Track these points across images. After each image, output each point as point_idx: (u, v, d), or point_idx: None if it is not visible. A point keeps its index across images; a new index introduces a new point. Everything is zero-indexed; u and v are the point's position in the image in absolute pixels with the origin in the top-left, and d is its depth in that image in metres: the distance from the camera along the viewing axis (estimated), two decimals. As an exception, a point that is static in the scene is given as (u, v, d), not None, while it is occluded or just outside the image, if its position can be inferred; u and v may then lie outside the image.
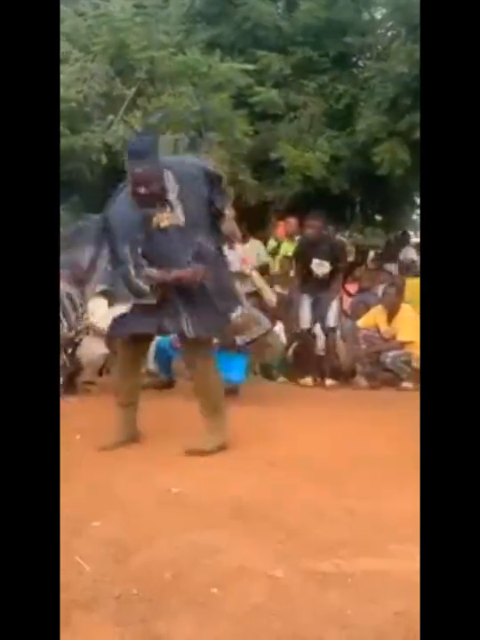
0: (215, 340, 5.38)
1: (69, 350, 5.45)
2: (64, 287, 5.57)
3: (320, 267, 6.54)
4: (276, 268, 7.90)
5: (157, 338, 6.18)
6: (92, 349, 5.58)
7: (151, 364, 6.41)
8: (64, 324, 5.39)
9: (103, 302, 5.71)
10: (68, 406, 4.74)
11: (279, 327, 6.36)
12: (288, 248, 7.98)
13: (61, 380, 5.44)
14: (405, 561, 2.31)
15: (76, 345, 5.49)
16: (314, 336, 6.75)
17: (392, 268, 8.64)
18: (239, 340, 5.52)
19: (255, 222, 8.17)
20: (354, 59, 9.00)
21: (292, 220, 8.08)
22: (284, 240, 8.13)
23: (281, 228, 8.28)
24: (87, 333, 5.65)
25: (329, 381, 6.59)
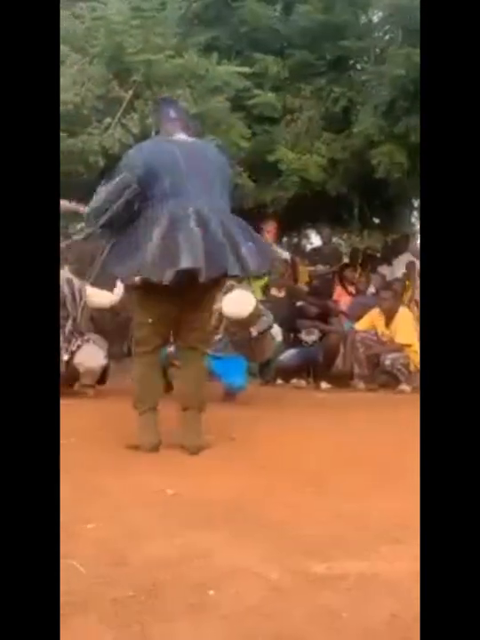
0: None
1: (66, 357, 5.43)
2: (64, 274, 5.60)
3: None
4: None
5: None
6: (92, 358, 5.52)
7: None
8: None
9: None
10: (64, 408, 4.74)
11: (276, 329, 6.36)
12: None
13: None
14: (397, 562, 2.32)
15: (73, 353, 5.47)
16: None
17: (387, 270, 8.67)
18: (254, 330, 5.52)
19: (253, 225, 8.17)
20: (351, 62, 8.99)
21: (271, 226, 8.17)
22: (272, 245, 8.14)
23: (267, 234, 8.31)
24: (87, 340, 5.61)
25: (324, 384, 6.61)
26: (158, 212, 3.61)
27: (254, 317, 5.38)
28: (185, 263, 3.50)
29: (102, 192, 3.69)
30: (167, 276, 3.49)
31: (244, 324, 5.35)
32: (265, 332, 5.60)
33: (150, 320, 3.78)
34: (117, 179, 3.65)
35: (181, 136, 3.90)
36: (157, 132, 4.07)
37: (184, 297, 3.72)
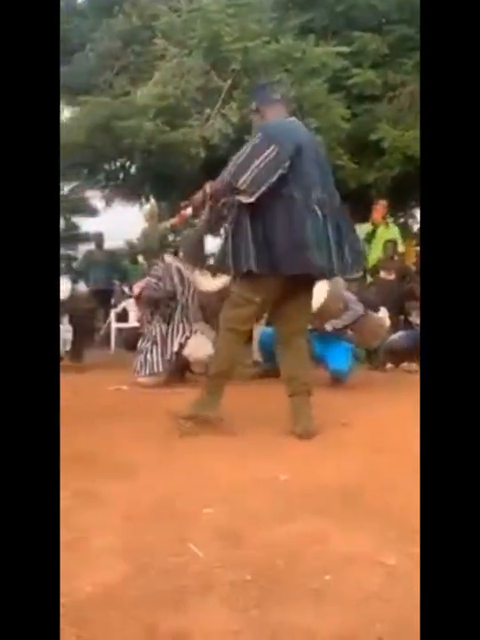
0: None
1: (176, 348, 5.72)
2: (172, 261, 5.78)
3: None
4: (372, 254, 7.76)
5: (262, 329, 6.21)
6: (200, 349, 5.71)
7: (256, 354, 6.47)
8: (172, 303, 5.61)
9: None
10: (178, 396, 4.85)
11: (383, 312, 6.25)
12: (385, 233, 7.84)
13: (167, 373, 5.67)
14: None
15: (181, 345, 5.70)
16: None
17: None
18: (328, 325, 5.46)
19: (357, 207, 8.06)
20: (453, 32, 8.67)
21: (382, 204, 8.01)
22: (380, 224, 7.98)
23: (376, 213, 8.15)
24: (195, 332, 5.76)
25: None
26: (291, 194, 3.63)
27: (334, 310, 5.31)
28: (318, 262, 3.62)
29: (251, 162, 3.55)
30: (295, 270, 3.63)
31: (316, 317, 5.31)
32: (353, 324, 5.53)
33: (258, 299, 3.77)
34: (270, 151, 3.55)
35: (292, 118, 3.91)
36: (262, 117, 3.90)
37: (290, 280, 3.73)
